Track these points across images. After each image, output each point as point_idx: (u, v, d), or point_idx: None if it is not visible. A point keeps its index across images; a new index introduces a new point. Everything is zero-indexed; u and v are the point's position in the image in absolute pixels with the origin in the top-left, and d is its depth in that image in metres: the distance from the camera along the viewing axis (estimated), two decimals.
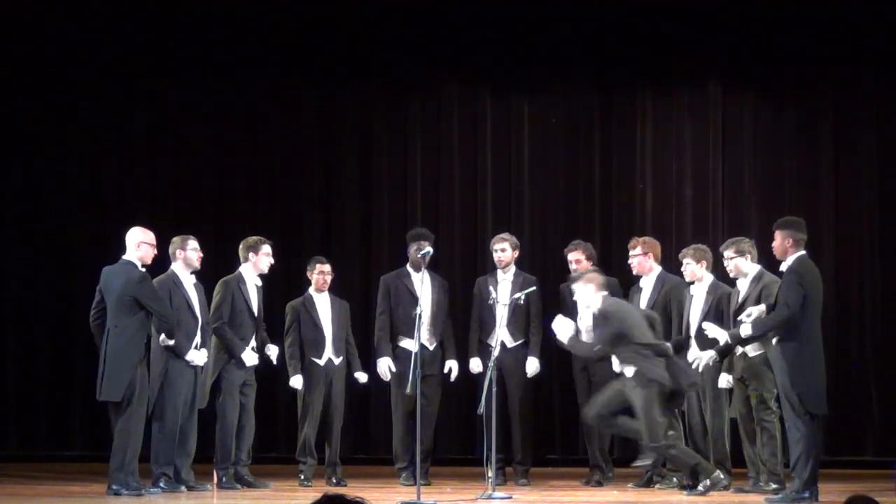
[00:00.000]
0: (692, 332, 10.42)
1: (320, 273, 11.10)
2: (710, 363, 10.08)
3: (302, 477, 10.92)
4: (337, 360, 11.01)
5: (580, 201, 13.22)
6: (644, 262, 10.82)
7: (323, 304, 11.10)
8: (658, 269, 10.84)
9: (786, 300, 9.28)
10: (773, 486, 9.93)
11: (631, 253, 10.88)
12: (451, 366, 11.13)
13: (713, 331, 9.93)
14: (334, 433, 11.00)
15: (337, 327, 11.04)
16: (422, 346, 10.46)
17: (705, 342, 10.29)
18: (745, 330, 9.57)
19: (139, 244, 9.94)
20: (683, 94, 13.15)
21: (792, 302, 9.24)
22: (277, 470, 11.46)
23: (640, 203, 13.11)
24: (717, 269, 10.63)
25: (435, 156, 13.36)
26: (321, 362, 10.98)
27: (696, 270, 10.49)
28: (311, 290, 11.14)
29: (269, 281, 11.49)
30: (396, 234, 12.40)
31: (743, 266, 10.13)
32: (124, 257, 9.94)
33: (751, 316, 9.58)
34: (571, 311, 10.99)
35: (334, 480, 10.91)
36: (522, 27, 13.10)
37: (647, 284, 10.80)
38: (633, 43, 13.02)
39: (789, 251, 9.42)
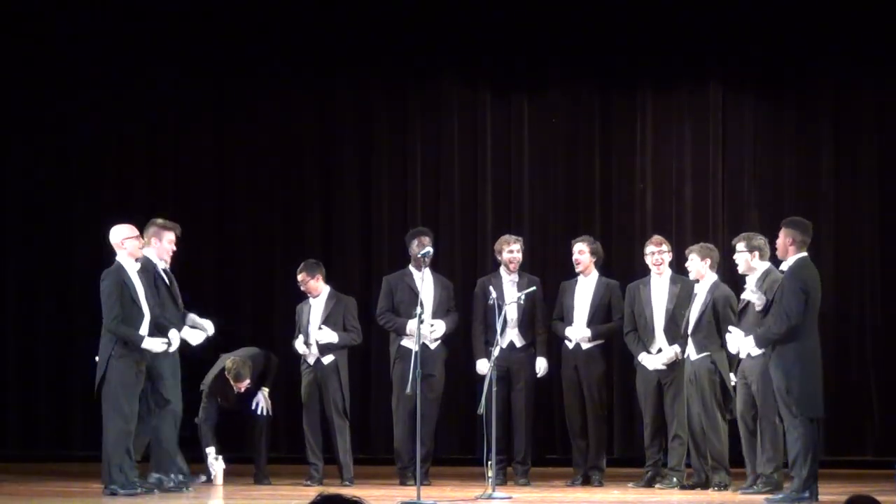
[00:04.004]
0: (689, 331, 10.43)
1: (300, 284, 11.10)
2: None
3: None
4: (326, 360, 11.00)
5: (580, 201, 13.21)
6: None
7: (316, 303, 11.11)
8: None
9: (787, 310, 9.24)
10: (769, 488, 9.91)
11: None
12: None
13: (733, 339, 9.88)
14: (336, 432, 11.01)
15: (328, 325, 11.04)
16: (423, 346, 10.46)
17: (703, 340, 10.30)
18: (749, 346, 9.59)
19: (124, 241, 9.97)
20: (683, 94, 13.15)
21: (793, 312, 9.21)
22: (279, 469, 11.45)
23: (640, 203, 13.11)
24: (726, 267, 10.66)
25: (435, 156, 13.35)
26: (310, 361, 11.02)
27: (700, 268, 10.49)
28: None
29: (269, 281, 11.59)
30: (396, 234, 12.40)
31: (751, 262, 10.09)
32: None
33: (755, 296, 9.60)
34: (568, 308, 11.02)
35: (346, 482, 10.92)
36: (522, 27, 13.09)
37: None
38: (633, 43, 13.02)
39: (790, 251, 9.41)
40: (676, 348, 10.62)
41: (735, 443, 10.42)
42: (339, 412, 10.97)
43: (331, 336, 10.93)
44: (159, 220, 10.32)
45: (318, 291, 11.04)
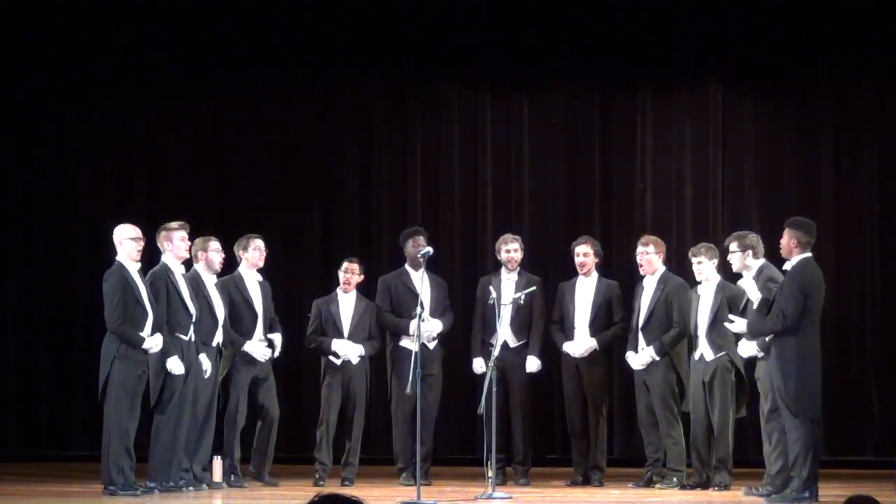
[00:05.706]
0: (701, 332, 10.42)
1: (346, 272, 11.10)
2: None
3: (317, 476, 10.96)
4: (355, 360, 10.99)
5: (580, 201, 13.22)
6: (655, 260, 10.81)
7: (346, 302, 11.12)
8: (662, 268, 10.87)
9: (783, 310, 9.25)
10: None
11: (642, 249, 10.86)
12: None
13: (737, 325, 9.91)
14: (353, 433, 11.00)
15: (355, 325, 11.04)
16: (422, 346, 10.46)
17: (718, 341, 10.30)
18: (740, 327, 9.65)
19: (121, 241, 9.95)
20: (683, 94, 13.16)
21: (789, 313, 9.23)
22: (279, 470, 11.44)
23: (640, 203, 13.12)
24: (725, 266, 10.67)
25: (435, 156, 13.36)
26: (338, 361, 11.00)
27: (709, 269, 10.48)
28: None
29: (269, 281, 11.50)
30: (396, 234, 12.36)
31: (745, 261, 10.06)
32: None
33: (734, 324, 9.67)
34: (569, 310, 11.02)
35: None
36: (522, 27, 13.10)
37: (649, 283, 10.81)
38: (633, 43, 13.02)
39: (794, 252, 9.42)
40: (651, 350, 10.63)
41: (745, 444, 10.41)
42: (362, 413, 10.97)
43: (358, 350, 10.96)
44: (170, 224, 10.23)
45: (352, 288, 11.07)
